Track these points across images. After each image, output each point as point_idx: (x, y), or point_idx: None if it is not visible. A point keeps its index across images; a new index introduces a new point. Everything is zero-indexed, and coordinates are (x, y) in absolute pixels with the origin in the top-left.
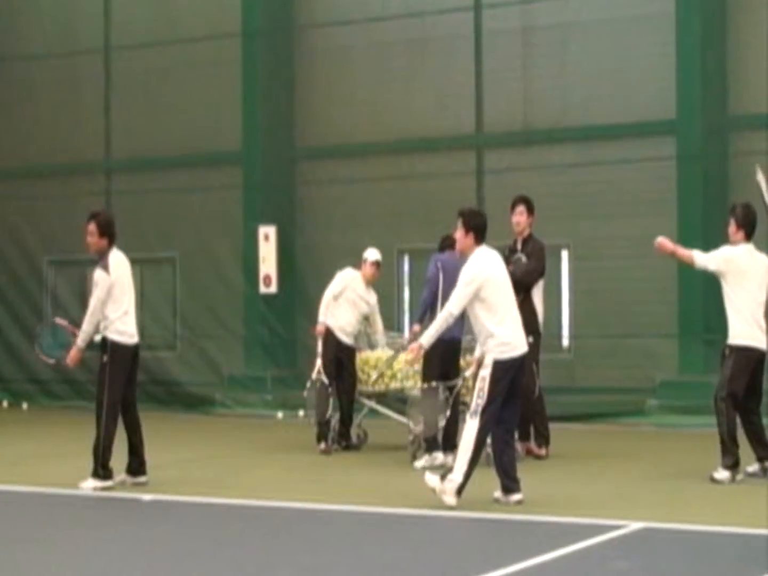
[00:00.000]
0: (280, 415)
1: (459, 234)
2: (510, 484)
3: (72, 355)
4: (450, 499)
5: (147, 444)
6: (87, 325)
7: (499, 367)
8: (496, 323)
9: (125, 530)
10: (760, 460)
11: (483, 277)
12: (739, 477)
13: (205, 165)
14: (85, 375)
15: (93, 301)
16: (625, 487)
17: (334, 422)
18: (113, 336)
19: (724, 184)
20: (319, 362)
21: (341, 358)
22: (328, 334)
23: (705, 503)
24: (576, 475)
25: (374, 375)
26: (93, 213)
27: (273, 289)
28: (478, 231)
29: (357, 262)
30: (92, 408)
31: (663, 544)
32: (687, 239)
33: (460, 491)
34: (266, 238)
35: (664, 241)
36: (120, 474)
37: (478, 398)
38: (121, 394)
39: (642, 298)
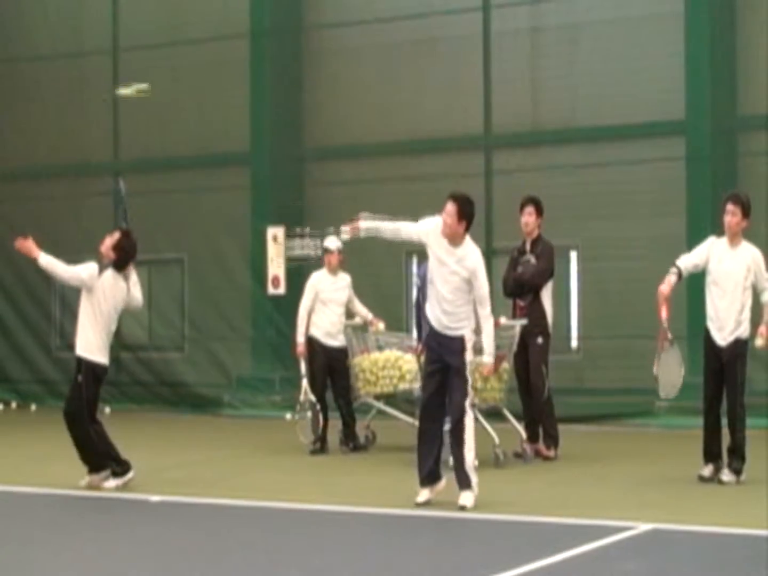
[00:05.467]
0: (288, 416)
1: (451, 219)
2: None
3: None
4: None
5: (154, 445)
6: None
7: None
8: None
9: (133, 531)
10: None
11: None
12: (743, 477)
13: (213, 166)
14: None
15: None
16: (634, 488)
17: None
18: (87, 356)
19: (732, 185)
20: (305, 383)
21: (332, 365)
22: (313, 346)
23: (713, 505)
24: (584, 477)
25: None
26: (121, 229)
27: (281, 290)
28: (471, 220)
29: (362, 262)
30: (101, 409)
31: (672, 546)
32: (695, 240)
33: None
34: (275, 239)
35: None
36: (85, 477)
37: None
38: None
39: (651, 299)
